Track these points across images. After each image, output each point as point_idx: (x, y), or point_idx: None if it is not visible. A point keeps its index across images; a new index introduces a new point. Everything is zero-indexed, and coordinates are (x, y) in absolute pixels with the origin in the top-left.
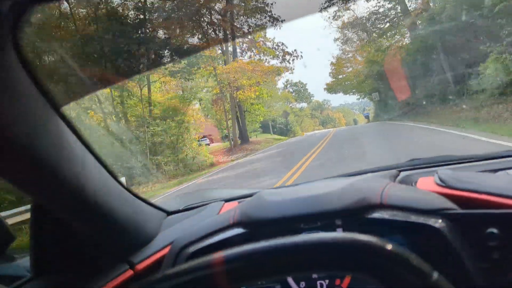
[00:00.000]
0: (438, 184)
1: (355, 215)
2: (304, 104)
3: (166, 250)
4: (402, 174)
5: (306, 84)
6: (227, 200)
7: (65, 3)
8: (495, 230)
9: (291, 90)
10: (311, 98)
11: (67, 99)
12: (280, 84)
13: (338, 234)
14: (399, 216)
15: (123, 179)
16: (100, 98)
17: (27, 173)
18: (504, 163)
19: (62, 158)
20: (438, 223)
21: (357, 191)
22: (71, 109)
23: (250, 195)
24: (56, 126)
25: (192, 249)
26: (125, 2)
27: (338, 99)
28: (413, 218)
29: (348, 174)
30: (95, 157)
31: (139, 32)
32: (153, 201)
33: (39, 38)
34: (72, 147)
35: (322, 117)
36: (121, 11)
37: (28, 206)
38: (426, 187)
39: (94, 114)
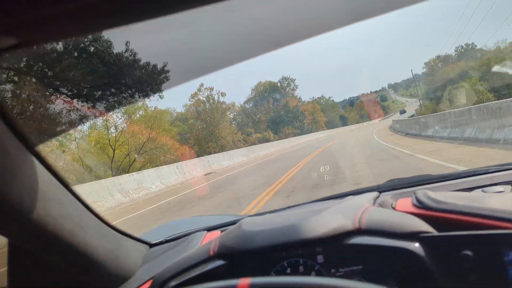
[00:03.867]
0: (415, 206)
1: (334, 241)
2: None
3: (147, 285)
4: (382, 195)
5: None
6: (209, 229)
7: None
8: (469, 252)
9: None
10: None
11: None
12: None
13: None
14: (376, 241)
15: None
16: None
17: (1, 216)
18: (479, 180)
19: (37, 199)
20: (414, 246)
21: (335, 218)
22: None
23: (233, 223)
24: (30, 167)
25: (173, 283)
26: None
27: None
28: (390, 242)
29: (329, 197)
30: (71, 193)
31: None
32: (137, 233)
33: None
34: (48, 186)
35: (273, 112)
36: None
37: None
38: (404, 209)
39: None
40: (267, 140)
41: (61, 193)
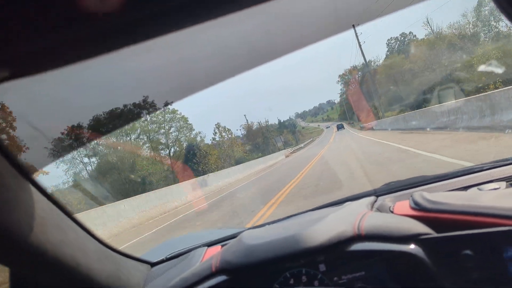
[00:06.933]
0: (413, 208)
1: (335, 249)
2: None
3: None
4: (380, 199)
5: None
6: (210, 245)
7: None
8: (469, 252)
9: None
10: None
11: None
12: None
13: None
14: (377, 246)
15: None
16: None
17: (1, 246)
18: (474, 178)
19: (36, 226)
20: (414, 249)
21: (334, 225)
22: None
23: (233, 237)
24: (28, 195)
25: None
26: None
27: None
28: (390, 246)
29: (327, 204)
30: (70, 218)
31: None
32: (138, 253)
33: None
34: (46, 213)
35: None
36: None
37: None
38: (403, 212)
39: None
40: None
41: (60, 219)
